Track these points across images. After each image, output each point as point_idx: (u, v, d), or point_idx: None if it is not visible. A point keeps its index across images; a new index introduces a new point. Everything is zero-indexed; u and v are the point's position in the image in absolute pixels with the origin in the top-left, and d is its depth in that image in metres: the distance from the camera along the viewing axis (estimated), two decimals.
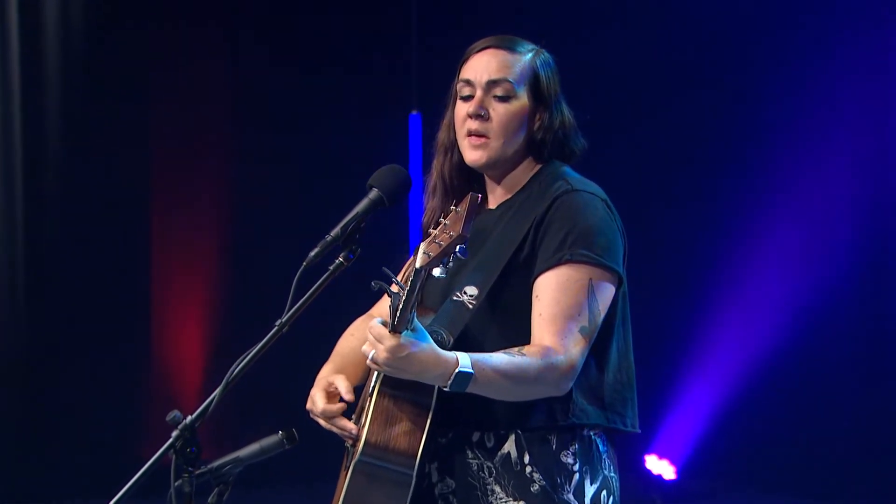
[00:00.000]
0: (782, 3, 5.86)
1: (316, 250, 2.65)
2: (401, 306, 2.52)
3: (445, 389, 2.59)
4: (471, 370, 2.57)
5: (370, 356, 2.58)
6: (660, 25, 6.09)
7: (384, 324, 2.57)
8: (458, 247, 2.49)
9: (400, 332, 2.53)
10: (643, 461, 6.17)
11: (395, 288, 2.53)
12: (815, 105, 5.80)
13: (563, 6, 6.14)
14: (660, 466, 6.16)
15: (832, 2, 5.75)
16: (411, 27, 6.47)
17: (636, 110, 6.11)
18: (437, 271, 2.52)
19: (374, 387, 2.70)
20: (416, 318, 2.55)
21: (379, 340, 2.55)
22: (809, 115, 5.81)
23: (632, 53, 6.13)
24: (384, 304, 3.06)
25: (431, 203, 2.94)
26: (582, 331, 2.70)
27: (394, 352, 2.53)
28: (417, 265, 2.50)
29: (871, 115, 5.73)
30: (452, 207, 2.55)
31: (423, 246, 2.53)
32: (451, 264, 2.52)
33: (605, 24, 6.17)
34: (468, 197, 2.52)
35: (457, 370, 2.56)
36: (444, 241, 2.50)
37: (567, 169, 2.88)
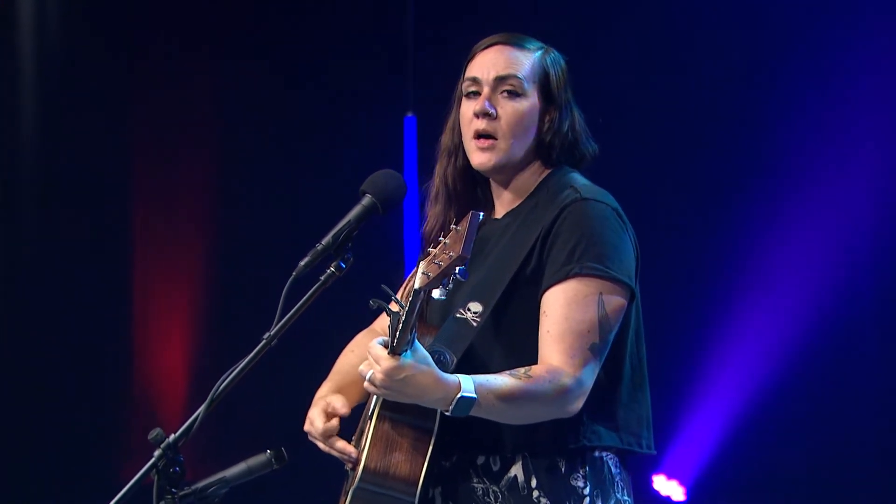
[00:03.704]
0: (805, 4, 5.87)
1: (306, 260, 2.65)
2: (400, 327, 2.51)
3: (447, 414, 2.59)
4: (474, 395, 2.56)
5: (367, 377, 2.58)
6: (673, 24, 6.09)
7: (385, 344, 2.56)
8: (458, 268, 2.47)
9: (399, 354, 2.52)
10: (650, 482, 6.16)
11: (394, 307, 2.53)
12: (837, 104, 5.80)
13: (566, 8, 6.15)
14: (668, 487, 6.15)
15: (857, 5, 5.76)
16: (407, 26, 6.47)
17: (650, 111, 6.10)
18: (436, 293, 2.50)
19: (373, 409, 2.70)
20: (416, 339, 2.55)
21: (377, 362, 2.55)
22: (830, 114, 5.81)
23: (643, 54, 6.13)
24: (386, 318, 3.06)
25: (434, 210, 2.93)
26: (592, 349, 2.69)
27: (391, 374, 2.53)
28: (416, 286, 2.49)
29: (893, 114, 5.73)
30: (452, 226, 2.53)
31: (422, 265, 2.51)
32: (451, 285, 2.50)
33: (614, 26, 6.17)
34: (469, 215, 2.49)
35: (459, 395, 2.55)
36: (443, 261, 2.48)
37: (576, 175, 2.87)
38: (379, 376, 2.54)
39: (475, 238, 2.72)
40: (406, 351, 2.53)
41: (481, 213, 2.52)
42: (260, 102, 6.54)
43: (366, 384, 2.59)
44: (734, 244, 6.01)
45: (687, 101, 6.08)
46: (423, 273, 2.50)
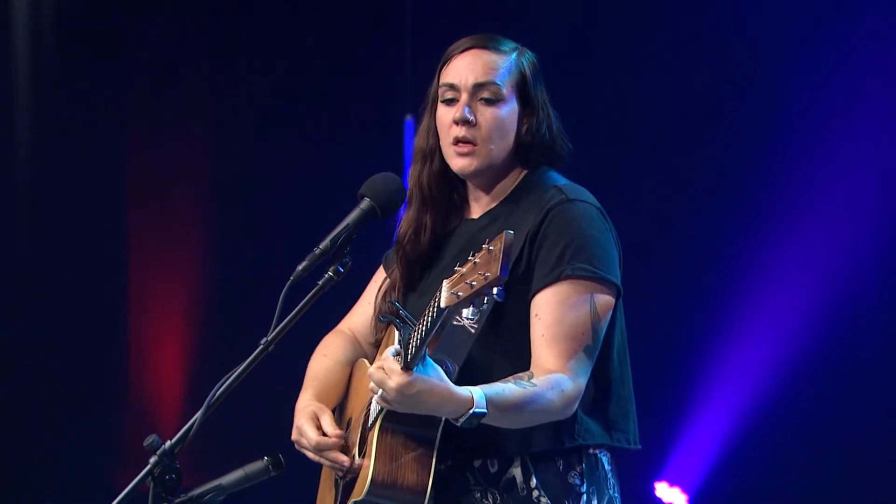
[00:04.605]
0: (806, 5, 5.87)
1: (304, 264, 2.66)
2: (416, 344, 2.52)
3: (456, 425, 2.61)
4: (485, 410, 2.58)
5: (378, 394, 2.59)
6: (673, 25, 6.10)
7: (397, 354, 2.57)
8: (495, 289, 2.42)
9: (412, 369, 2.53)
10: (653, 488, 6.16)
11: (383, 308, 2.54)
12: (840, 104, 5.80)
13: (564, 9, 6.15)
14: (671, 494, 6.15)
15: (857, 6, 5.77)
16: (406, 27, 6.48)
17: (652, 111, 6.10)
18: (466, 312, 2.48)
19: (374, 421, 2.71)
20: (426, 354, 2.56)
21: (389, 376, 2.55)
22: (834, 114, 5.81)
23: (643, 55, 6.13)
24: (354, 317, 3.08)
25: (408, 214, 2.94)
26: (586, 350, 2.73)
27: (403, 390, 2.54)
28: (442, 304, 2.47)
29: None
30: (484, 246, 2.46)
31: (447, 285, 2.48)
32: (485, 305, 2.47)
33: (612, 26, 6.17)
34: (502, 235, 2.44)
35: (472, 410, 2.58)
36: (477, 281, 2.43)
37: (555, 174, 2.90)
38: (392, 393, 2.55)
39: (459, 242, 2.74)
40: (418, 365, 2.53)
41: (512, 231, 2.47)
42: (258, 105, 6.54)
43: (376, 398, 2.61)
44: (737, 248, 6.01)
45: (690, 101, 6.09)
46: (451, 293, 2.46)
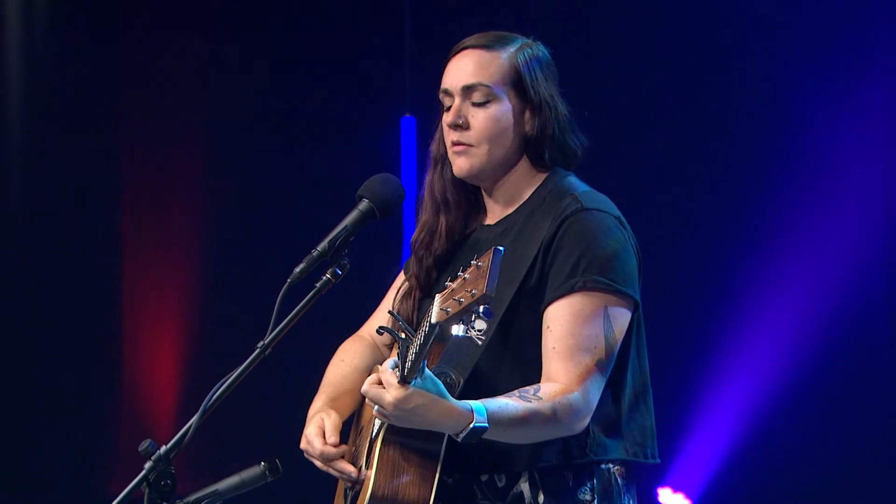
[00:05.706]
0: (813, 4, 5.88)
1: (301, 266, 2.65)
2: (412, 358, 2.50)
3: (457, 440, 2.59)
4: (486, 424, 2.57)
5: (376, 409, 2.58)
6: (678, 23, 6.10)
7: (396, 366, 2.55)
8: (481, 307, 2.40)
9: (409, 383, 2.52)
10: (656, 495, 6.15)
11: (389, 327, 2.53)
12: (848, 104, 5.80)
13: (565, 8, 6.15)
14: (674, 501, 6.15)
15: (865, 4, 5.77)
16: (404, 24, 6.48)
17: (658, 111, 6.11)
18: (456, 329, 2.45)
19: (377, 433, 2.70)
20: (426, 367, 2.54)
21: (387, 389, 2.54)
22: (841, 114, 5.82)
23: (648, 54, 6.14)
24: (374, 322, 3.08)
25: (422, 219, 2.94)
26: (598, 364, 2.70)
27: (400, 404, 2.53)
28: (433, 320, 2.46)
29: None
30: (473, 262, 2.44)
31: (438, 300, 2.47)
32: (473, 322, 2.43)
33: (615, 25, 6.17)
34: (490, 252, 2.42)
35: (472, 425, 2.56)
36: (465, 298, 2.41)
37: (573, 179, 2.87)
38: (389, 408, 2.54)
39: (474, 248, 2.73)
40: (416, 378, 2.52)
41: (502, 248, 2.44)
42: (255, 104, 6.55)
43: (375, 412, 2.60)
44: (742, 251, 6.01)
45: (695, 99, 6.09)
46: (441, 309, 2.45)
